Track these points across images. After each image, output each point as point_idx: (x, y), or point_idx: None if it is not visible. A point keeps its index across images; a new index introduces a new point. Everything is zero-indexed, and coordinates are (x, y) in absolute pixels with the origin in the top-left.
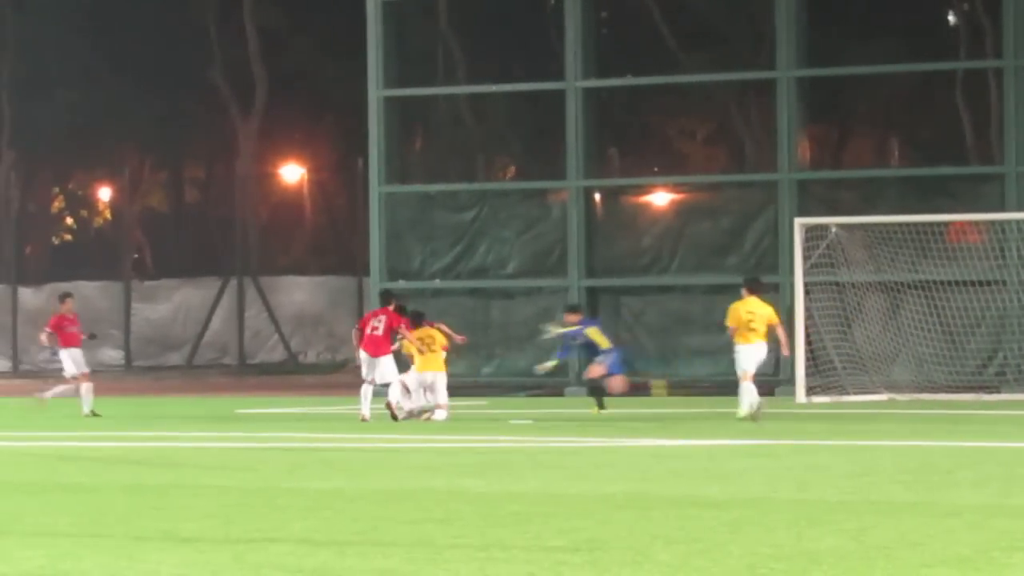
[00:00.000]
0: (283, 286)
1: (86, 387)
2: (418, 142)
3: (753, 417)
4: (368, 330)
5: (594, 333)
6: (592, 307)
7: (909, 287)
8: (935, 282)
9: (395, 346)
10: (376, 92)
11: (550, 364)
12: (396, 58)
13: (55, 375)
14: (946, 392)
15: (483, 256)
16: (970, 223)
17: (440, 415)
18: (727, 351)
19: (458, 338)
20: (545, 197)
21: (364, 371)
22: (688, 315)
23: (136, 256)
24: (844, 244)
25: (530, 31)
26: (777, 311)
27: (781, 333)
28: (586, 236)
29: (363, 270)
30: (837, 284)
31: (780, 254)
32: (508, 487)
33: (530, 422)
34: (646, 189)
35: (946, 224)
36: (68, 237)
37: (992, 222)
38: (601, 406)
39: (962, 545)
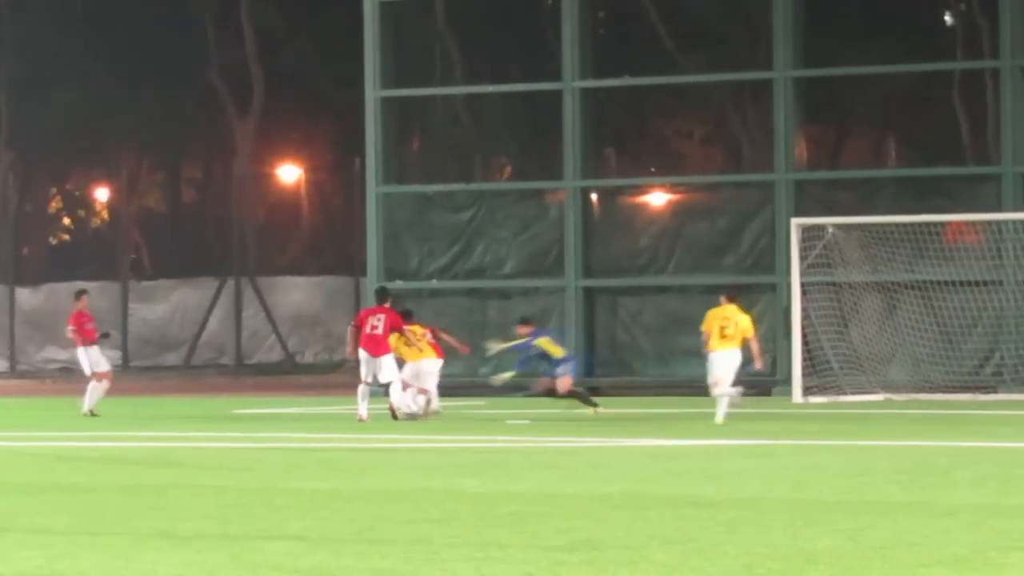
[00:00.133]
0: (280, 286)
1: (93, 385)
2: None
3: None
4: (367, 329)
5: (545, 343)
6: (589, 307)
7: (906, 287)
8: (932, 282)
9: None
10: (373, 92)
11: (506, 375)
12: (393, 58)
13: (52, 375)
14: (943, 392)
15: (480, 256)
16: (967, 223)
17: (435, 404)
18: None
19: (462, 349)
20: (542, 197)
21: (363, 371)
22: (685, 315)
23: (133, 256)
24: (841, 244)
25: (527, 31)
26: (754, 323)
27: (755, 347)
28: (583, 236)
29: (360, 270)
30: (834, 284)
31: (777, 254)
32: (505, 487)
33: (527, 422)
34: (643, 189)
35: (943, 224)
36: (65, 237)
37: (989, 222)
38: (593, 404)
39: (959, 545)
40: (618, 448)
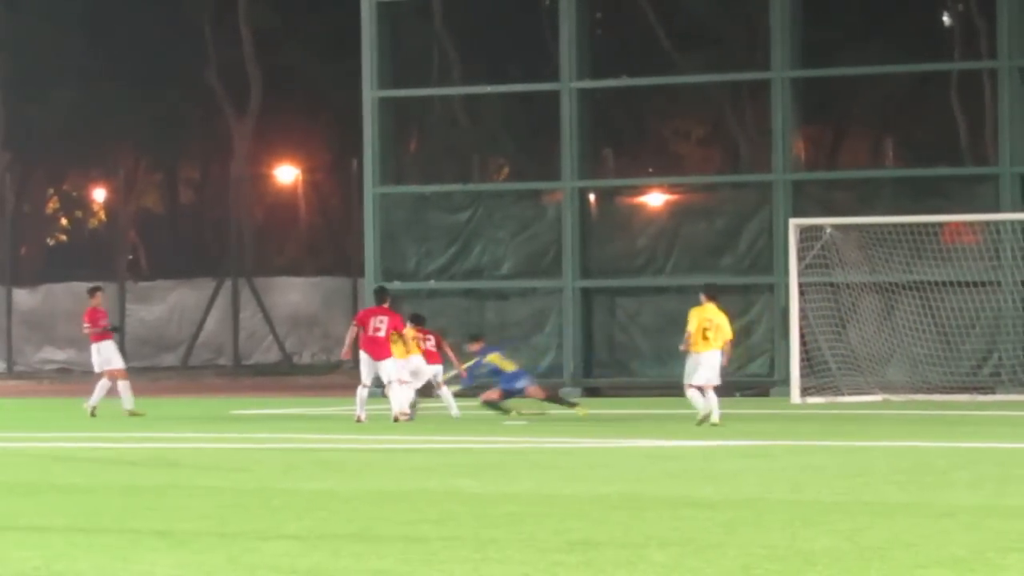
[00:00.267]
0: (278, 287)
1: (123, 385)
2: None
3: (701, 422)
4: (369, 331)
5: (496, 359)
6: (587, 308)
7: (904, 288)
8: (930, 283)
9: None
10: (371, 93)
11: (455, 387)
12: (391, 59)
13: (50, 376)
14: (941, 393)
15: (478, 257)
16: (965, 224)
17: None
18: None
19: (459, 367)
20: (540, 198)
21: (364, 373)
22: (683, 316)
23: (131, 257)
24: (839, 245)
25: (525, 32)
26: (732, 323)
27: (728, 349)
28: (581, 237)
29: (358, 271)
30: (832, 285)
31: (775, 255)
32: (503, 488)
33: (524, 423)
34: (641, 190)
35: (941, 225)
36: (63, 238)
37: (987, 223)
38: (572, 405)
39: (957, 546)
40: (616, 449)
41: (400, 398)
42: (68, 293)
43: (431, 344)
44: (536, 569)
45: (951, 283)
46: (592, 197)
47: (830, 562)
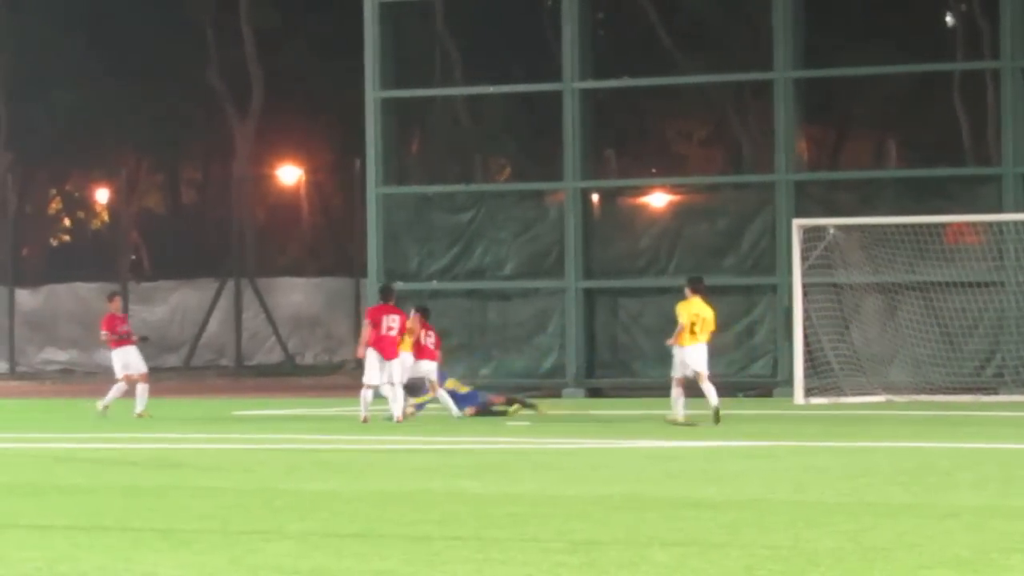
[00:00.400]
0: (280, 287)
1: (141, 388)
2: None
3: (675, 421)
4: (383, 330)
5: (453, 384)
6: (589, 308)
7: (907, 288)
8: (933, 283)
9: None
10: (373, 93)
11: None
12: (393, 59)
13: (52, 377)
14: (944, 394)
15: (480, 257)
16: (968, 224)
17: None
18: (724, 353)
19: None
20: (542, 198)
21: (373, 372)
22: None
23: (133, 258)
24: (842, 245)
25: (527, 32)
26: (716, 316)
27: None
28: (583, 237)
29: (360, 271)
30: (835, 285)
31: (778, 255)
32: (505, 488)
33: (527, 424)
34: (643, 190)
35: (944, 225)
36: (65, 239)
37: (990, 223)
38: (532, 405)
39: (960, 546)
40: (618, 449)
41: (402, 399)
42: (70, 294)
43: (431, 341)
44: (539, 570)
45: (954, 284)
46: (595, 198)
47: (833, 563)
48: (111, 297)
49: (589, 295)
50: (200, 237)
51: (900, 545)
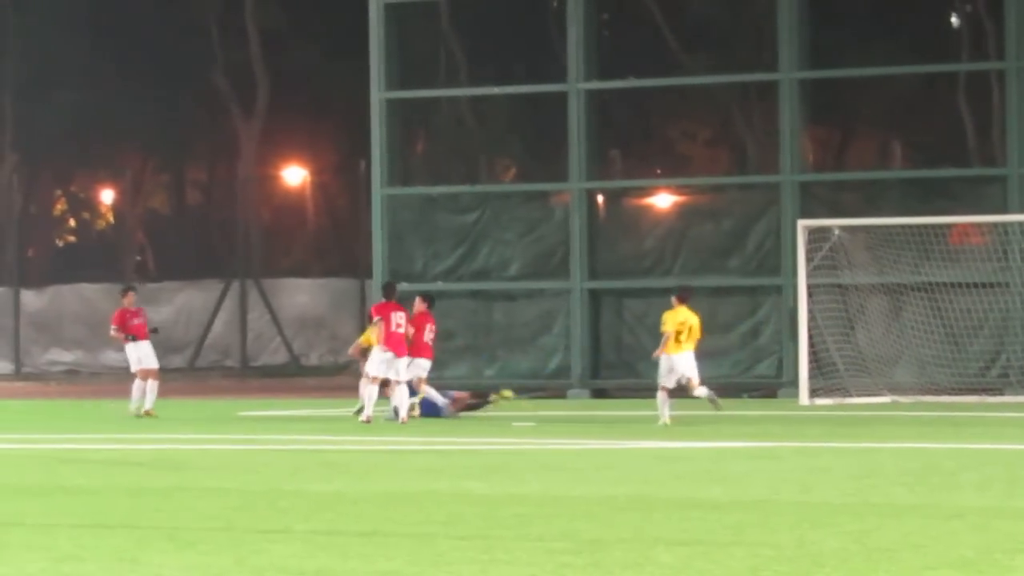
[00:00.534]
0: (285, 288)
1: (150, 384)
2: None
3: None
4: (392, 327)
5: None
6: (595, 309)
7: (912, 289)
8: (938, 284)
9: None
10: (378, 94)
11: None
12: (398, 60)
13: (57, 377)
14: (949, 394)
15: (485, 258)
16: (972, 225)
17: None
18: (729, 352)
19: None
20: (547, 199)
21: (380, 369)
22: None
23: (138, 258)
24: (846, 246)
25: (532, 33)
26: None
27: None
28: (588, 238)
29: (365, 272)
30: (840, 286)
31: (782, 256)
32: (510, 489)
33: (532, 424)
34: (648, 191)
35: (948, 226)
36: (70, 239)
37: (995, 224)
38: (494, 401)
39: (965, 547)
40: (623, 450)
41: (406, 397)
42: (76, 295)
43: (430, 337)
44: (544, 570)
45: (959, 284)
46: (599, 198)
47: (838, 563)
48: (124, 292)
49: (594, 296)
50: (205, 238)
51: (905, 546)
